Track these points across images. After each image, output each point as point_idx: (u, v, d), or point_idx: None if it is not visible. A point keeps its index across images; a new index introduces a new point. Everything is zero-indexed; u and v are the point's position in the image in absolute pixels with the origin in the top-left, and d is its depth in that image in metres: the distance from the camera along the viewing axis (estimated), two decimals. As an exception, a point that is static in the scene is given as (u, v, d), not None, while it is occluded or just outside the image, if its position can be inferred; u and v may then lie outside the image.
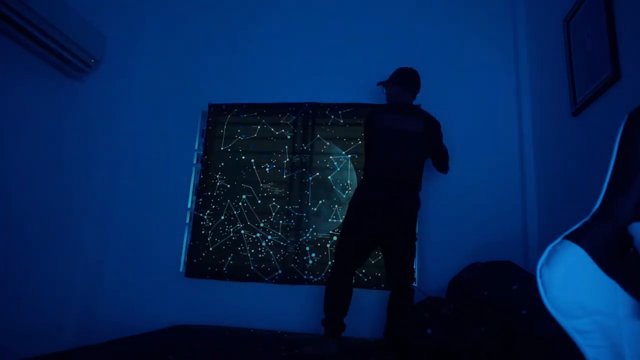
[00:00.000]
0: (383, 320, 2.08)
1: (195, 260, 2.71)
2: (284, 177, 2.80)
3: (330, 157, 2.80)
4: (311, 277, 2.59)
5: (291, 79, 2.95)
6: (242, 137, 2.90)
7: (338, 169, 2.77)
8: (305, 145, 2.82)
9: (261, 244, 2.71)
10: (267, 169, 2.82)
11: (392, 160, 2.07)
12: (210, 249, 2.73)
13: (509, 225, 2.50)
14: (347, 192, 2.73)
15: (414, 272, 2.16)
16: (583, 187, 1.87)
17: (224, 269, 2.69)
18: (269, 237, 2.71)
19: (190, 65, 3.09)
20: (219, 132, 2.93)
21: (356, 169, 2.74)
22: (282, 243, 2.69)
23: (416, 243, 2.12)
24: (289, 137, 2.85)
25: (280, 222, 2.73)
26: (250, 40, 3.07)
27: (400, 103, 2.23)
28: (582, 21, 1.91)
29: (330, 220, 2.70)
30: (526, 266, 2.23)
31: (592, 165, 1.80)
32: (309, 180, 2.77)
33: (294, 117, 2.87)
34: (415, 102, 2.33)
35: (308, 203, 2.73)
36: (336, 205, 2.72)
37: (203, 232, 2.77)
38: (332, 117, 2.84)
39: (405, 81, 2.24)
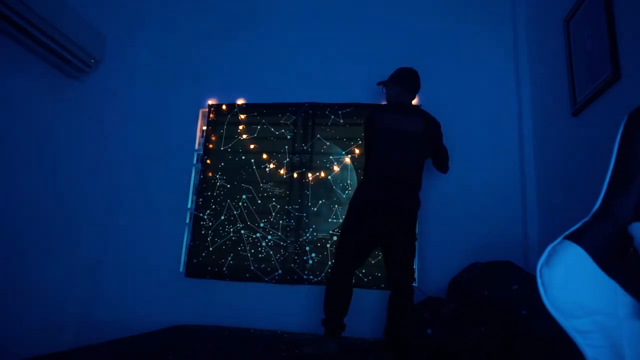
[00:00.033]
0: (383, 320, 2.08)
1: (195, 260, 2.71)
2: (284, 177, 2.80)
3: (330, 157, 2.80)
4: (311, 277, 2.59)
5: (291, 79, 2.95)
6: (242, 137, 2.90)
7: (338, 169, 2.77)
8: (305, 145, 2.82)
9: (261, 244, 2.71)
10: (267, 169, 2.82)
11: (392, 160, 2.07)
12: (210, 249, 2.73)
13: (509, 225, 2.50)
14: (347, 192, 2.73)
15: (414, 272, 2.16)
16: (583, 187, 1.87)
17: (224, 269, 2.69)
18: (269, 237, 2.71)
19: (190, 66, 3.09)
20: (219, 132, 2.93)
21: (356, 169, 2.74)
22: (282, 243, 2.69)
23: (416, 243, 2.12)
24: (289, 137, 2.85)
25: (280, 222, 2.73)
26: (250, 40, 3.07)
27: (400, 103, 2.23)
28: (582, 21, 1.91)
29: (330, 220, 2.70)
30: (526, 266, 2.23)
31: (592, 165, 1.80)
32: (309, 180, 2.77)
33: (294, 117, 2.87)
34: (415, 102, 2.33)
35: (308, 203, 2.73)
36: (336, 205, 2.72)
37: (203, 232, 2.77)
38: (332, 117, 2.84)
39: (405, 81, 2.24)
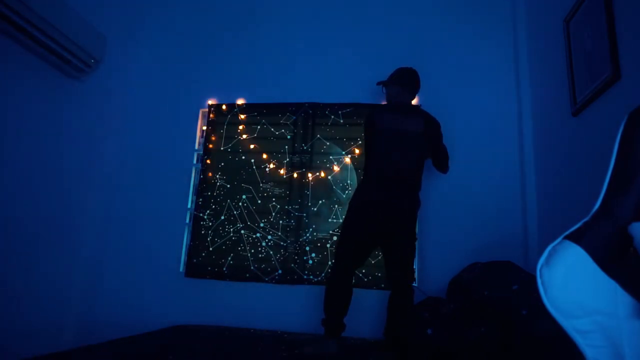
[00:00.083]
0: (383, 320, 2.08)
1: (195, 260, 2.71)
2: (284, 177, 2.80)
3: (330, 157, 2.80)
4: (311, 277, 2.59)
5: (291, 79, 2.95)
6: (242, 137, 2.90)
7: (338, 169, 2.77)
8: (305, 145, 2.82)
9: (261, 244, 2.71)
10: (267, 169, 2.82)
11: (392, 160, 2.07)
12: (210, 249, 2.73)
13: (509, 225, 2.50)
14: (347, 192, 2.73)
15: (414, 272, 2.16)
16: (583, 187, 1.87)
17: (224, 269, 2.69)
18: (269, 237, 2.71)
19: (190, 65, 3.09)
20: (219, 132, 2.93)
21: (356, 169, 2.74)
22: (282, 243, 2.69)
23: (416, 243, 2.12)
24: (289, 137, 2.85)
25: (280, 222, 2.73)
26: (251, 40, 3.07)
27: (400, 103, 2.23)
28: (582, 21, 1.91)
29: (330, 220, 2.70)
30: (526, 266, 2.24)
31: (592, 165, 1.80)
32: (309, 180, 2.77)
33: (294, 117, 2.87)
34: (415, 102, 2.33)
35: (308, 203, 2.73)
36: (336, 205, 2.72)
37: (203, 232, 2.77)
38: (332, 117, 2.84)
39: (405, 81, 2.24)
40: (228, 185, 2.83)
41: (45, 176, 2.46)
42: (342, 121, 2.82)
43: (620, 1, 1.63)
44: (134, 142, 3.00)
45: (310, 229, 2.69)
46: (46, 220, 2.47)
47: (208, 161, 2.88)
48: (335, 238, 2.64)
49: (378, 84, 2.35)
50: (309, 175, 2.78)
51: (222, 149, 2.90)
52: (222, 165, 2.86)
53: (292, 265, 2.63)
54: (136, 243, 2.81)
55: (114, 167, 2.95)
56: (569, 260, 0.64)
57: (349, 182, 2.74)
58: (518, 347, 1.55)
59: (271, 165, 2.82)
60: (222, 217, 2.78)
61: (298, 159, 2.80)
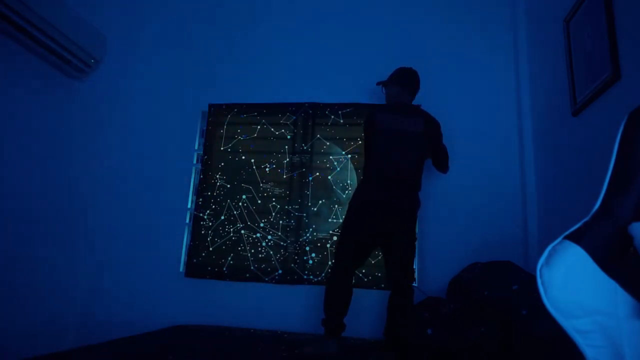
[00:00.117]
0: (383, 320, 2.08)
1: (195, 260, 2.71)
2: (284, 177, 2.80)
3: (330, 157, 2.80)
4: (311, 277, 2.59)
5: (291, 79, 2.95)
6: (242, 137, 2.90)
7: (338, 169, 2.77)
8: (305, 145, 2.82)
9: (261, 244, 2.71)
10: (267, 169, 2.82)
11: (392, 160, 2.07)
12: (210, 249, 2.73)
13: (509, 225, 2.50)
14: (347, 192, 2.73)
15: (414, 272, 2.16)
16: (583, 187, 1.87)
17: (224, 269, 2.69)
18: (269, 237, 2.71)
19: (190, 65, 3.09)
20: (219, 132, 2.93)
21: (356, 169, 2.74)
22: (282, 243, 2.69)
23: (416, 243, 2.12)
24: (289, 137, 2.85)
25: (280, 222, 2.73)
26: (250, 40, 3.07)
27: (400, 103, 2.23)
28: (582, 21, 1.91)
29: (330, 220, 2.70)
30: (526, 266, 2.23)
31: (592, 165, 1.80)
32: (309, 180, 2.77)
33: (294, 117, 2.87)
34: (415, 102, 2.33)
35: (308, 203, 2.73)
36: (336, 205, 2.72)
37: (203, 232, 2.77)
38: (332, 117, 2.84)
39: (405, 81, 2.24)
40: (228, 185, 2.83)
41: (45, 176, 2.46)
42: (342, 121, 2.82)
43: (620, 1, 1.63)
44: (133, 142, 2.99)
45: (310, 229, 2.69)
46: (46, 220, 2.47)
47: (208, 161, 2.87)
48: (335, 238, 2.64)
49: (378, 84, 2.35)
50: (309, 175, 2.78)
51: (222, 149, 2.90)
52: (222, 165, 2.86)
53: (292, 265, 2.63)
54: (136, 243, 2.81)
55: (114, 167, 2.94)
56: (569, 260, 0.64)
57: (349, 182, 2.74)
58: (518, 347, 1.55)
59: (271, 165, 2.82)
60: (222, 217, 2.78)
61: (298, 159, 2.80)
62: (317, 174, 2.78)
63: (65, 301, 2.64)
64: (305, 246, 2.66)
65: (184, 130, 2.99)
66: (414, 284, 2.20)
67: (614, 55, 1.62)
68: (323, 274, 2.59)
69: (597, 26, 1.76)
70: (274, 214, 2.74)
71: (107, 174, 2.92)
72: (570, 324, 0.63)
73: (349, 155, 2.77)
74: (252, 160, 2.85)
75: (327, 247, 2.65)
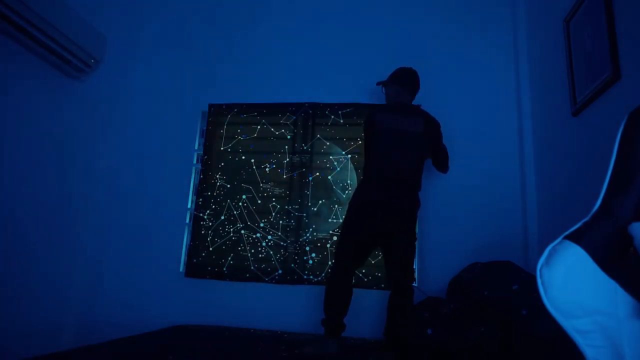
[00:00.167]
0: (383, 320, 2.08)
1: (195, 260, 2.71)
2: (284, 177, 2.80)
3: (331, 157, 2.80)
4: (311, 277, 2.59)
5: (291, 79, 2.95)
6: (242, 137, 2.90)
7: (338, 169, 2.77)
8: (305, 145, 2.82)
9: (261, 244, 2.71)
10: (267, 169, 2.82)
11: (392, 160, 2.07)
12: (210, 249, 2.73)
13: (509, 225, 2.50)
14: (347, 192, 2.73)
15: (414, 272, 2.16)
16: (583, 187, 1.87)
17: (224, 269, 2.69)
18: (269, 237, 2.71)
19: (190, 65, 3.09)
20: (219, 132, 2.93)
21: (356, 169, 2.74)
22: (282, 243, 2.69)
23: (416, 243, 2.12)
24: (289, 137, 2.85)
25: (280, 222, 2.73)
26: (250, 40, 3.07)
27: (400, 103, 2.23)
28: (582, 21, 1.91)
29: (330, 220, 2.70)
30: (526, 266, 2.23)
31: (592, 165, 1.80)
32: (309, 180, 2.77)
33: (294, 117, 2.87)
34: (415, 102, 2.33)
35: (308, 203, 2.73)
36: (336, 205, 2.72)
37: (203, 232, 2.77)
38: (332, 117, 2.84)
39: (405, 81, 2.24)
40: (228, 185, 2.83)
41: (45, 176, 2.46)
42: (342, 121, 2.82)
43: (620, 1, 1.63)
44: (134, 142, 2.99)
45: (310, 229, 2.69)
46: (46, 220, 2.47)
47: (208, 161, 2.87)
48: (335, 238, 2.64)
49: (378, 84, 2.35)
50: (309, 175, 2.77)
51: (222, 149, 2.90)
52: (222, 165, 2.86)
53: (292, 265, 2.63)
54: (136, 243, 2.81)
55: (114, 167, 2.94)
56: (569, 260, 0.64)
57: (349, 182, 2.74)
58: (518, 347, 1.55)
59: (271, 165, 2.82)
60: (222, 217, 2.78)
61: (298, 159, 2.80)
62: (317, 174, 2.78)
63: (66, 301, 2.64)
64: (305, 246, 2.66)
65: (184, 130, 2.99)
66: (414, 284, 2.20)
67: (614, 55, 1.62)
68: (323, 274, 2.59)
69: (597, 26, 1.76)
70: (274, 214, 2.74)
71: (107, 173, 2.92)
72: (570, 324, 0.63)
73: (349, 155, 2.77)
74: (252, 160, 2.85)
75: (327, 247, 2.65)
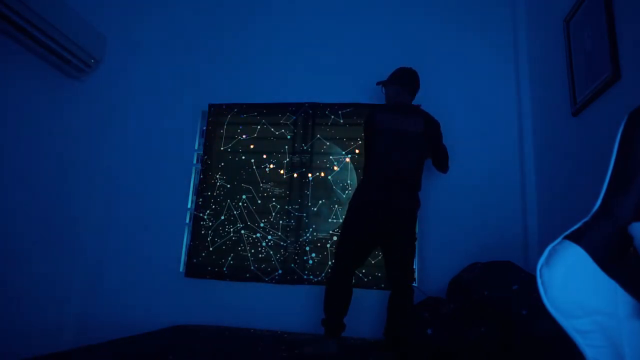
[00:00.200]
0: (383, 320, 2.08)
1: (195, 260, 2.71)
2: (284, 177, 2.80)
3: (331, 157, 2.80)
4: (311, 277, 2.59)
5: (291, 79, 2.95)
6: (242, 137, 2.90)
7: (338, 169, 2.77)
8: (305, 145, 2.82)
9: (261, 244, 2.71)
10: (267, 169, 2.82)
11: (392, 160, 2.07)
12: (210, 249, 2.73)
13: (509, 225, 2.50)
14: (347, 192, 2.73)
15: (414, 272, 2.16)
16: (583, 187, 1.87)
17: (224, 269, 2.69)
18: (269, 237, 2.71)
19: (190, 65, 3.09)
20: (219, 132, 2.93)
21: (356, 169, 2.74)
22: (282, 243, 2.69)
23: (416, 243, 2.12)
24: (289, 137, 2.85)
25: (280, 222, 2.73)
26: (250, 40, 3.07)
27: (400, 103, 2.23)
28: (582, 21, 1.91)
29: (330, 220, 2.70)
30: (526, 266, 2.23)
31: (592, 165, 1.80)
32: (309, 180, 2.77)
33: (294, 117, 2.87)
34: (415, 102, 2.33)
35: (308, 203, 2.73)
36: (336, 205, 2.72)
37: (203, 232, 2.77)
38: (332, 117, 2.84)
39: (404, 81, 2.24)
40: (228, 185, 2.83)
41: (45, 176, 2.46)
42: (342, 121, 2.82)
43: (620, 1, 1.63)
44: (134, 142, 2.99)
45: (310, 229, 2.69)
46: (46, 220, 2.47)
47: (208, 161, 2.87)
48: (335, 238, 2.64)
49: (378, 84, 2.35)
50: (309, 175, 2.77)
51: (222, 149, 2.90)
52: (222, 165, 2.86)
53: (292, 265, 2.63)
54: (136, 243, 2.81)
55: (114, 167, 2.94)
56: (569, 260, 0.64)
57: (349, 182, 2.74)
58: (518, 347, 1.55)
59: (271, 165, 2.82)
60: (222, 217, 2.78)
61: (298, 159, 2.80)
62: (317, 174, 2.78)
63: (65, 301, 2.64)
64: (305, 246, 2.66)
65: (184, 130, 2.99)
66: (414, 284, 2.20)
67: (614, 55, 1.62)
68: (323, 274, 2.59)
69: (597, 26, 1.76)
70: (274, 214, 2.74)
71: (107, 173, 2.92)
72: (570, 324, 0.63)
73: (349, 155, 2.77)
74: (252, 160, 2.85)
75: (327, 247, 2.65)
